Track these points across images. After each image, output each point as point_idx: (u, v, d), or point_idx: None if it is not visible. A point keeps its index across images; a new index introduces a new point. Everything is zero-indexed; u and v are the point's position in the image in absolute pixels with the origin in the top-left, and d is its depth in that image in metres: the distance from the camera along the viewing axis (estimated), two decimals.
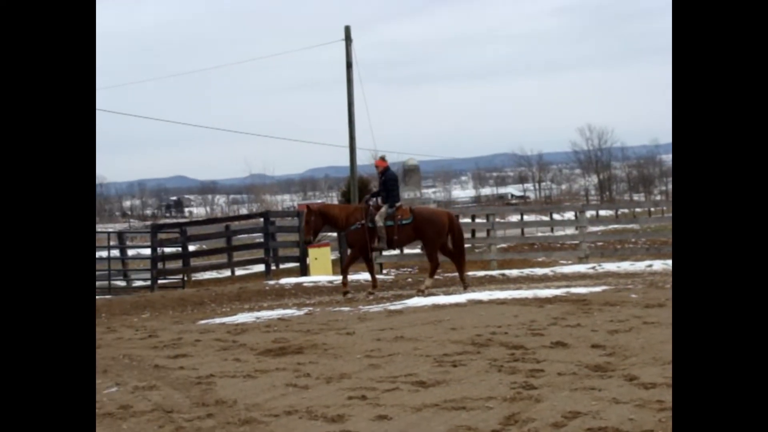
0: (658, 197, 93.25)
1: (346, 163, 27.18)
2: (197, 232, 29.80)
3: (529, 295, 12.96)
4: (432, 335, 9.33)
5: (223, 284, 22.11)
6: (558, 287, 14.43)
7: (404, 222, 15.80)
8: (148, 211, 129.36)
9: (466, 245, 27.11)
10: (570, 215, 29.98)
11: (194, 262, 26.97)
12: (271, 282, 19.91)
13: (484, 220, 24.96)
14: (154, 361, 8.63)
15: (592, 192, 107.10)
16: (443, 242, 16.06)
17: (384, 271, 21.51)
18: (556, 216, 31.94)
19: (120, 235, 31.55)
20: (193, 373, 7.76)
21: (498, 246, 23.25)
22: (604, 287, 13.98)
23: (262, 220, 25.46)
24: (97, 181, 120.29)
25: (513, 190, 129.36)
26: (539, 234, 35.83)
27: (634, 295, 12.33)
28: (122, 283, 26.68)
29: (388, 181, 16.17)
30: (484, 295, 13.34)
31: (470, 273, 19.81)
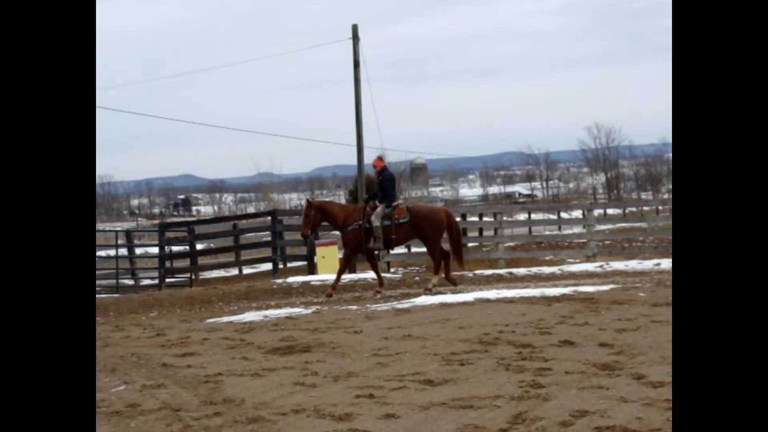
0: (666, 196, 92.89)
1: (354, 161, 27.15)
2: (205, 230, 29.86)
3: (537, 293, 12.94)
4: (439, 334, 9.33)
5: (230, 283, 22.14)
6: (566, 286, 14.41)
7: (401, 221, 15.81)
8: (156, 210, 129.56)
9: (473, 244, 27.31)
10: (578, 214, 29.99)
11: (202, 260, 27.00)
12: (279, 280, 19.93)
13: (492, 219, 24.95)
14: (161, 360, 8.65)
15: (600, 190, 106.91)
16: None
17: (392, 270, 21.50)
18: (563, 214, 31.96)
19: (128, 233, 31.66)
20: (200, 372, 7.78)
21: (506, 244, 23.24)
22: (611, 286, 13.96)
23: (269, 218, 25.50)
24: (105, 180, 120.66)
25: (520, 188, 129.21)
26: (547, 232, 35.81)
27: (642, 294, 12.32)
28: (130, 282, 26.75)
29: (385, 180, 16.18)
30: (491, 293, 13.33)
31: (478, 271, 19.83)
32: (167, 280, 24.21)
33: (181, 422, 5.91)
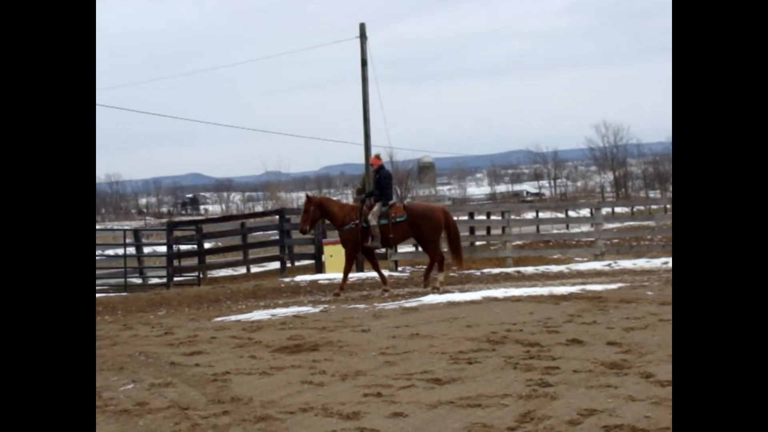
0: None
1: (362, 160, 27.14)
2: (213, 229, 29.89)
3: (545, 292, 12.92)
4: (447, 332, 9.33)
5: (238, 281, 22.17)
6: (573, 284, 14.38)
7: (398, 220, 15.82)
8: (164, 209, 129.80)
9: (481, 242, 27.29)
10: (585, 212, 29.94)
11: (210, 259, 27.06)
12: (287, 279, 19.96)
13: (500, 217, 24.92)
14: (170, 358, 8.66)
15: (608, 189, 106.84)
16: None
17: (399, 269, 21.51)
18: (571, 213, 31.93)
19: (136, 232, 31.74)
20: (208, 370, 7.78)
21: (513, 243, 23.23)
22: (619, 284, 13.93)
23: (277, 217, 25.52)
24: (114, 179, 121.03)
25: (528, 187, 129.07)
26: (555, 231, 35.80)
27: (650, 293, 12.29)
28: (138, 281, 26.82)
29: (382, 179, 16.19)
30: (499, 292, 13.31)
31: (486, 270, 19.83)
32: (175, 278, 24.28)
33: (189, 421, 5.92)
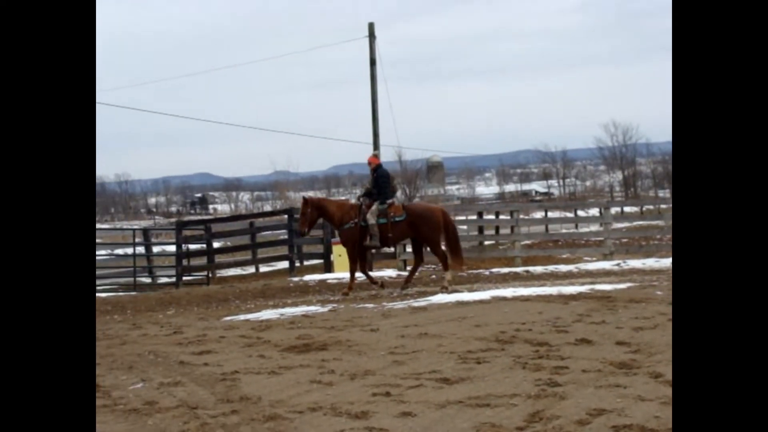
0: None
1: None
2: (222, 229, 29.93)
3: (554, 291, 12.90)
4: (456, 332, 9.32)
5: (247, 281, 22.19)
6: (582, 284, 14.36)
7: (397, 219, 15.81)
8: (173, 208, 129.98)
9: (490, 242, 27.26)
10: (594, 212, 29.90)
11: (219, 258, 27.09)
12: (295, 279, 19.97)
13: (509, 217, 24.91)
14: (179, 358, 8.68)
15: (617, 188, 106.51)
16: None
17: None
18: (580, 212, 31.88)
19: (145, 231, 31.77)
20: (217, 370, 7.80)
21: (522, 243, 23.21)
22: (628, 284, 13.90)
23: (286, 216, 25.53)
24: (123, 179, 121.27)
25: (537, 186, 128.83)
26: (563, 231, 35.74)
27: (659, 292, 12.26)
28: (147, 280, 26.87)
29: (380, 178, 16.17)
30: (508, 291, 13.30)
31: (494, 269, 19.81)
32: (184, 278, 24.33)
33: (198, 420, 5.93)
